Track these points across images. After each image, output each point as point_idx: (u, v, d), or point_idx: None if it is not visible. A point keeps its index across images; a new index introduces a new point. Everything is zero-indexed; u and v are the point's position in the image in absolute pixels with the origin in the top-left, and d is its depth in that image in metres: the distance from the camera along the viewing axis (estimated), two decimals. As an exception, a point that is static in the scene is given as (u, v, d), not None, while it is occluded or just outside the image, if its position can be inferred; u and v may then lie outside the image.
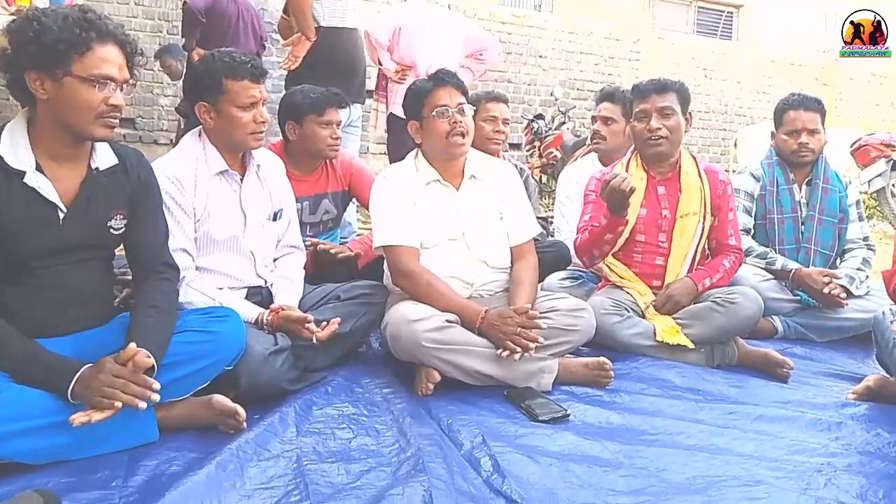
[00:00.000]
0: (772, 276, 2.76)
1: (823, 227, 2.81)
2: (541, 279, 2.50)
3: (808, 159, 2.82)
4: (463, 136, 2.15)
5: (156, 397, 1.48)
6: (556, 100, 8.26)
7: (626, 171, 2.51)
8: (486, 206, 2.25)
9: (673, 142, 2.42)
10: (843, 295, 2.61)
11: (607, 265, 2.51)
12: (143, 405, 1.45)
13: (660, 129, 2.39)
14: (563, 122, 7.62)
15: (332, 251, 2.51)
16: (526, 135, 7.78)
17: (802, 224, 2.83)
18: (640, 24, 9.73)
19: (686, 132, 2.49)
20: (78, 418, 1.40)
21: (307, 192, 2.71)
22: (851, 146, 6.64)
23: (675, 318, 2.33)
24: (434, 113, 2.13)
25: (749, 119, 10.33)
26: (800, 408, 1.97)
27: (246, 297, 2.11)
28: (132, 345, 1.50)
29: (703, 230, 2.43)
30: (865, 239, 2.84)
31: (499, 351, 1.92)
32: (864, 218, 2.89)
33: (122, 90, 1.59)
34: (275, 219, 2.23)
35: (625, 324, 2.29)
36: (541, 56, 8.99)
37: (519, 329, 1.92)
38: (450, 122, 2.12)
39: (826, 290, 2.58)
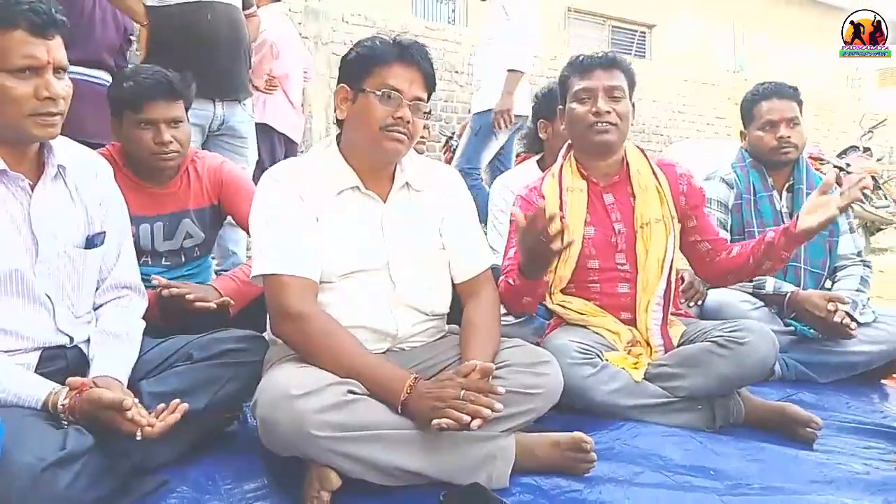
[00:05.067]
0: (762, 303, 2.24)
1: (812, 241, 2.32)
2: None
3: (792, 156, 2.34)
4: (404, 139, 1.52)
5: None
6: (476, 116, 7.76)
7: (559, 180, 1.95)
8: (424, 226, 1.62)
9: (622, 131, 1.89)
10: (854, 324, 2.11)
11: (558, 304, 1.91)
12: None
13: (609, 112, 1.84)
14: (484, 140, 7.15)
15: (188, 296, 1.78)
16: (444, 153, 7.23)
17: (786, 238, 2.34)
18: (557, 41, 9.48)
19: (631, 124, 1.95)
20: None
21: (161, 210, 2.01)
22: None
23: (663, 365, 1.75)
24: (379, 93, 1.49)
25: (667, 138, 10.22)
26: (852, 490, 1.40)
27: (38, 365, 1.37)
28: None
29: (674, 240, 1.88)
30: (859, 254, 2.37)
31: (434, 422, 1.26)
32: (856, 229, 2.43)
33: None
34: (90, 245, 1.50)
35: (600, 377, 1.68)
36: (456, 71, 8.53)
37: (463, 392, 1.28)
38: (393, 115, 1.49)
39: (836, 318, 2.07)
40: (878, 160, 7.46)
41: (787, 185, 2.39)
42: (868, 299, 2.27)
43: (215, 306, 1.80)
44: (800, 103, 2.37)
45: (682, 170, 1.97)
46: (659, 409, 1.70)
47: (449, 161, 7.04)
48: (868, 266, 2.35)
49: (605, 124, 1.85)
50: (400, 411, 1.32)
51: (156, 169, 1.96)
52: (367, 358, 1.39)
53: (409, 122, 1.50)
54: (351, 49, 1.58)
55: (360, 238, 1.54)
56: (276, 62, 3.95)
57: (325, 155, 1.60)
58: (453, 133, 7.22)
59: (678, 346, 1.82)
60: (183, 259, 2.10)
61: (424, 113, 1.55)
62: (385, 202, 1.59)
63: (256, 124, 3.53)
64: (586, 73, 1.90)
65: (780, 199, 2.39)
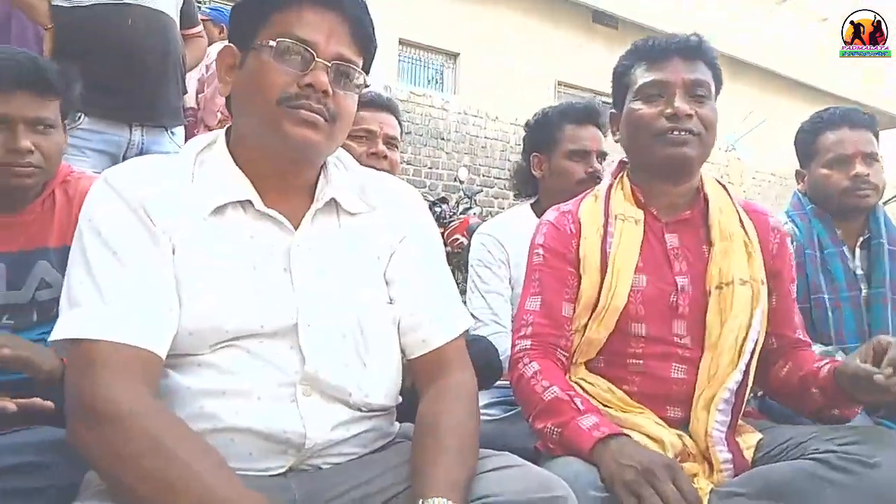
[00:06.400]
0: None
1: (899, 311, 1.75)
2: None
3: (871, 200, 1.80)
4: (318, 121, 0.94)
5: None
6: (462, 182, 7.38)
7: (606, 204, 1.37)
8: (359, 268, 1.03)
9: (705, 145, 1.32)
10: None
11: (576, 382, 1.29)
12: None
13: (690, 115, 1.28)
14: (469, 207, 6.70)
15: (3, 351, 1.19)
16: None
17: (867, 307, 1.77)
18: (547, 113, 9.26)
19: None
20: None
21: (6, 246, 1.44)
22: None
23: (737, 495, 1.11)
24: (274, 43, 0.93)
25: (660, 214, 9.91)
26: None
27: None
28: None
29: (763, 313, 1.27)
30: (959, 331, 1.80)
31: None
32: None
33: None
34: None
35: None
36: (443, 138, 8.18)
37: None
38: (299, 82, 0.93)
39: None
40: None
41: (861, 240, 1.84)
42: None
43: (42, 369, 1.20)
44: (876, 135, 1.85)
45: (775, 222, 1.40)
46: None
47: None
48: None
49: (683, 133, 1.28)
50: None
51: (4, 187, 1.39)
52: (231, 491, 0.75)
53: (325, 92, 0.93)
54: None
55: (250, 283, 0.93)
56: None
57: (203, 155, 1.01)
58: (440, 198, 6.75)
59: (754, 463, 1.19)
60: (35, 317, 1.49)
61: (357, 86, 0.98)
62: (296, 229, 0.99)
63: None
64: (658, 62, 1.33)
65: (854, 256, 1.83)
